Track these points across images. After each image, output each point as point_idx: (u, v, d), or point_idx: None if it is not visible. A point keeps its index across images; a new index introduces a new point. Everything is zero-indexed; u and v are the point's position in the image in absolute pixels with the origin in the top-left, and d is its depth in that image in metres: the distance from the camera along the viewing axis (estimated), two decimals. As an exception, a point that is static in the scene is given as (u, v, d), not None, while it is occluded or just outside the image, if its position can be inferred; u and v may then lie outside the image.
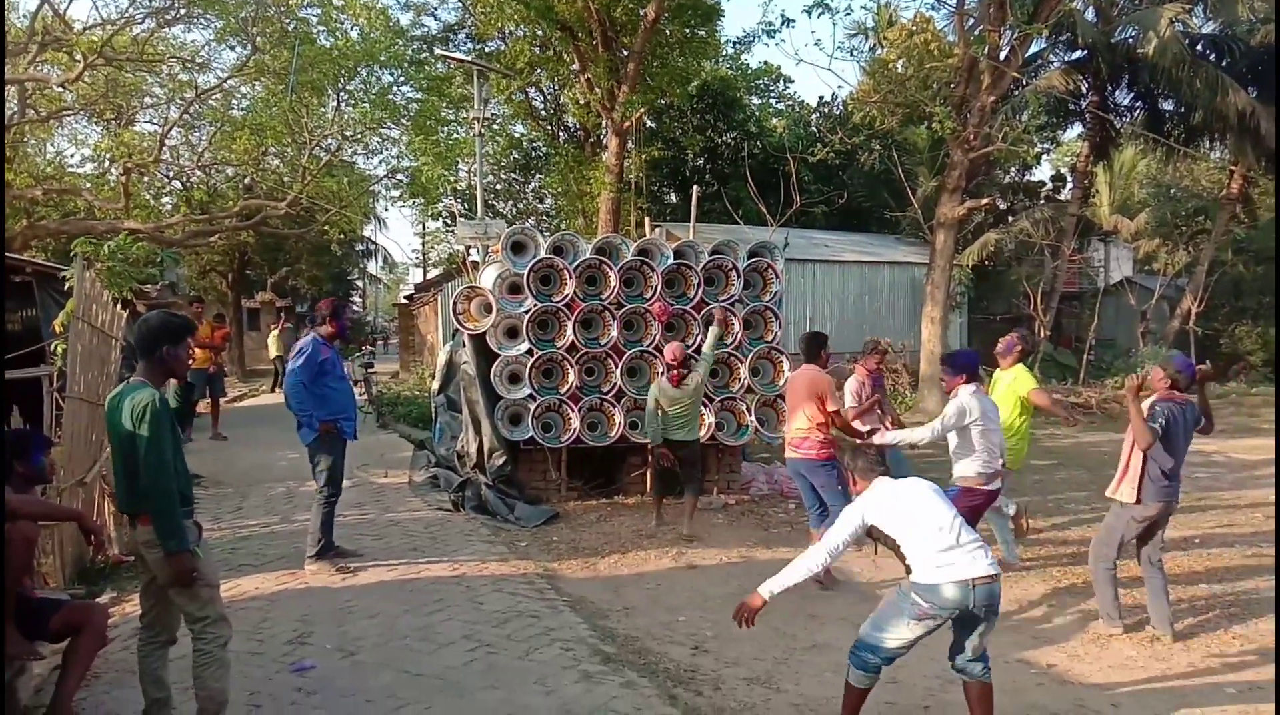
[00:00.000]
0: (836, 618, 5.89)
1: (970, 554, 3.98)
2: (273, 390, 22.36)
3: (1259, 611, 5.93)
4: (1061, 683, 4.83)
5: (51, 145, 21.00)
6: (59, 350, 6.98)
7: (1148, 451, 5.36)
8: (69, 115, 18.65)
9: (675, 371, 7.82)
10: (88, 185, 17.63)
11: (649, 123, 22.29)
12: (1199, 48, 21.68)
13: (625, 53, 16.07)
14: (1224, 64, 21.22)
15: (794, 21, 21.91)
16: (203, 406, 14.38)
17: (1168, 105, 23.01)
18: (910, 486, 4.27)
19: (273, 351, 22.80)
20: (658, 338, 9.02)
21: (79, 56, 14.79)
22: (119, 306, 8.50)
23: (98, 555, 6.36)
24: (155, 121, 19.68)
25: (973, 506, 5.78)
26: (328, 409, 6.89)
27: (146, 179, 18.70)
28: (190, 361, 4.55)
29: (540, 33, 17.45)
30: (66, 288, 6.94)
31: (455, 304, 9.19)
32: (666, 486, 8.34)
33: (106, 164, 18.21)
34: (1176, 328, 22.96)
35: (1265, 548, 7.51)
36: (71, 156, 26.82)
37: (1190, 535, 7.98)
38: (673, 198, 25.91)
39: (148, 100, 19.23)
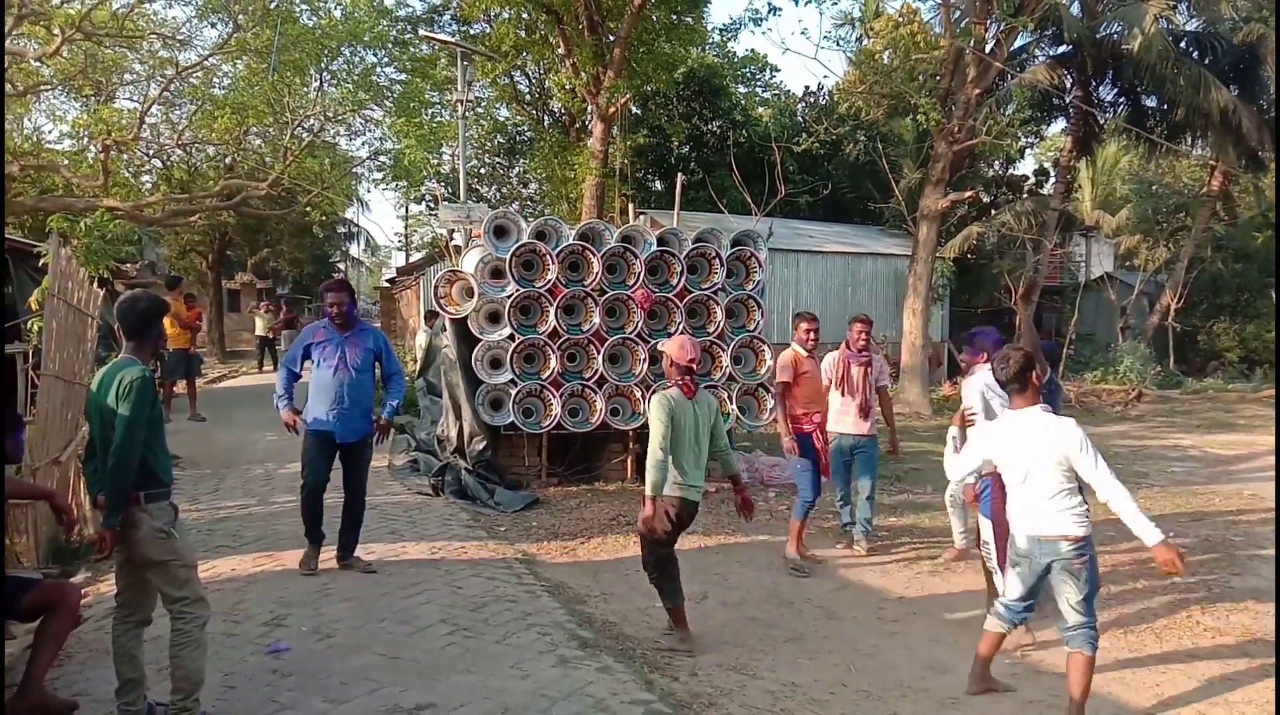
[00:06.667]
0: (812, 605, 5.91)
1: None
2: (259, 369, 22.38)
3: (1230, 601, 6.00)
4: (1035, 672, 4.87)
5: (29, 120, 20.69)
6: (34, 327, 6.90)
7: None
8: (47, 90, 18.37)
9: (689, 379, 5.13)
10: (65, 162, 17.35)
11: (634, 109, 22.20)
12: (1182, 44, 21.82)
13: (611, 38, 16.00)
14: (1207, 61, 21.37)
15: (780, 10, 21.89)
16: (180, 387, 14.26)
17: (1150, 101, 23.13)
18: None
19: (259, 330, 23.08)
20: (640, 325, 9.01)
21: (57, 30, 14.55)
22: (96, 284, 8.41)
23: (70, 535, 6.30)
24: (135, 98, 19.38)
25: None
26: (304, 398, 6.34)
27: (126, 157, 18.46)
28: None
29: (526, 16, 17.35)
30: (42, 264, 6.86)
31: (436, 287, 9.14)
32: (672, 579, 5.22)
33: (85, 141, 17.93)
34: (1155, 323, 23.18)
35: (1236, 540, 7.60)
36: (49, 132, 26.43)
37: (1164, 528, 8.03)
38: (657, 185, 25.86)
39: (127, 77, 18.92)
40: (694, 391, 5.14)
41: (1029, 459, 4.21)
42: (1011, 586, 4.46)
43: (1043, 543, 4.20)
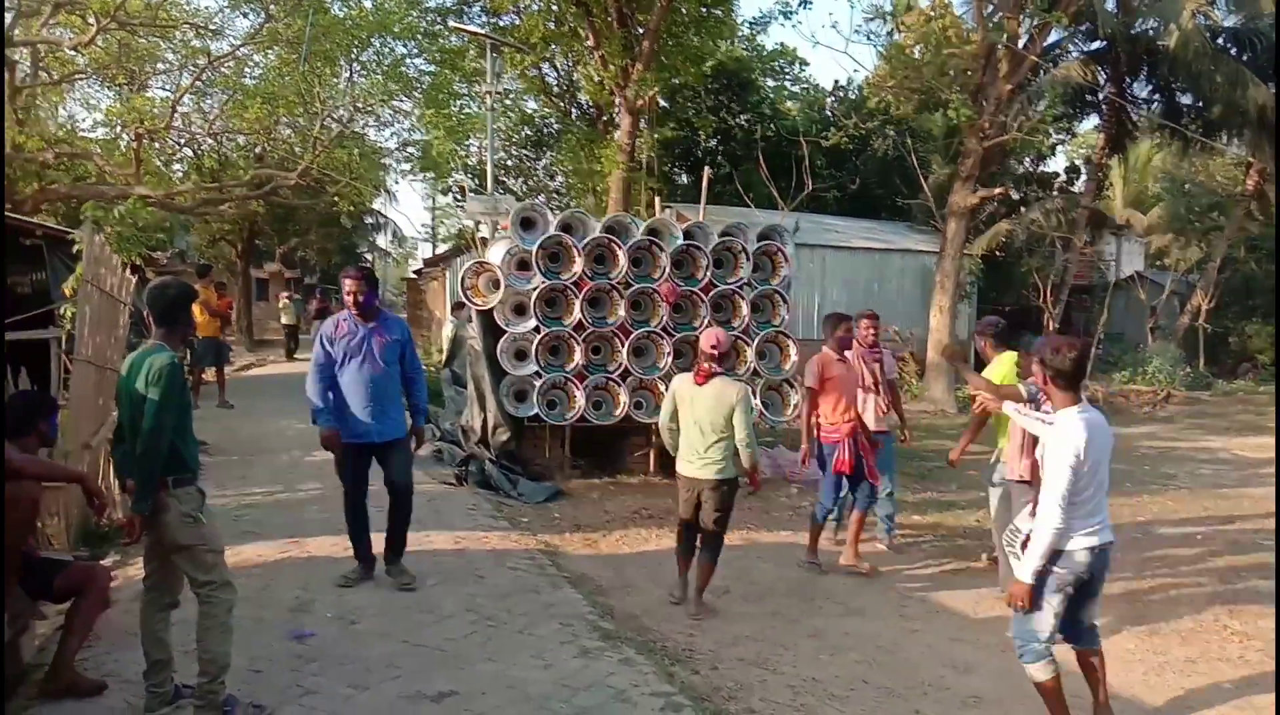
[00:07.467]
0: (833, 601, 5.90)
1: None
2: (288, 358, 22.61)
3: (1258, 605, 5.92)
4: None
5: (63, 109, 20.99)
6: (68, 313, 7.00)
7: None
8: (81, 79, 18.60)
9: (704, 365, 5.43)
10: (99, 150, 17.55)
11: (662, 102, 22.12)
12: (1220, 40, 21.45)
13: (640, 30, 15.95)
14: (1245, 58, 20.99)
15: (811, 3, 21.64)
16: (209, 374, 14.42)
17: (1186, 98, 22.77)
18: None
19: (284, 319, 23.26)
20: (665, 318, 9.00)
21: (92, 19, 14.72)
22: (128, 271, 8.52)
23: (101, 518, 6.39)
24: (167, 87, 19.61)
25: None
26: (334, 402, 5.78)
27: (158, 145, 18.66)
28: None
29: (555, 8, 17.35)
30: (76, 251, 6.95)
31: (463, 279, 9.17)
32: (688, 541, 5.74)
33: (118, 129, 18.14)
34: (1186, 324, 22.86)
35: (1266, 544, 7.50)
36: (83, 120, 26.82)
37: (1191, 531, 7.97)
38: (684, 178, 25.78)
39: (160, 66, 19.14)
40: (705, 380, 5.43)
41: (1105, 459, 3.92)
42: (1047, 618, 3.94)
43: (1101, 552, 3.93)
